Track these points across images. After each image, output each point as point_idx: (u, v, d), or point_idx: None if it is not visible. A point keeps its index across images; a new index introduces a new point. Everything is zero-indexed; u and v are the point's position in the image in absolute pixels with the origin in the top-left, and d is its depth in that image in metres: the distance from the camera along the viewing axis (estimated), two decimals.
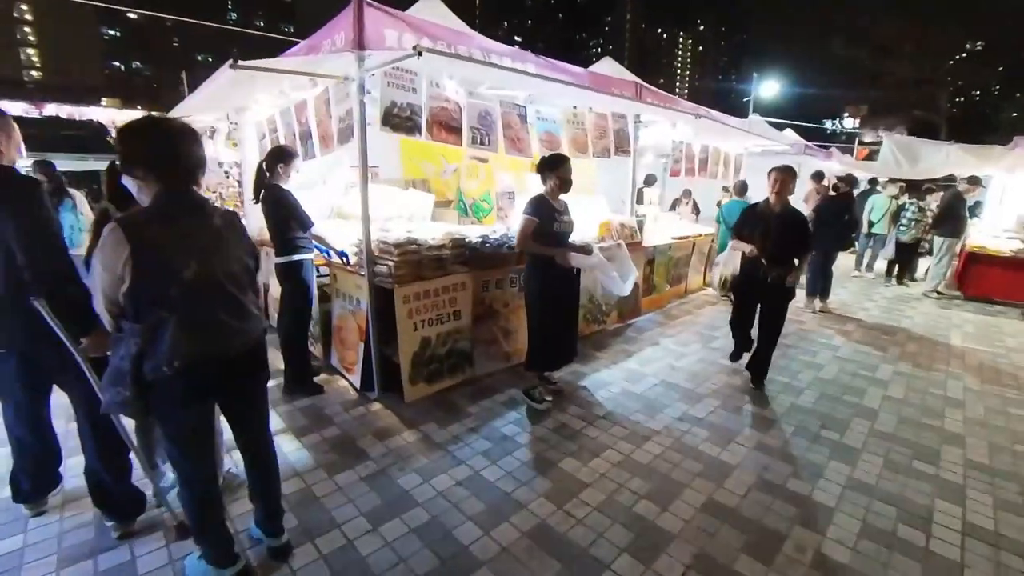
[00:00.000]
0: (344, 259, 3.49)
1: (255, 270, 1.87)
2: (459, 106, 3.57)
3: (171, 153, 1.62)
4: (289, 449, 2.89)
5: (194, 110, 5.40)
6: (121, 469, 2.20)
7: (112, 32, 57.88)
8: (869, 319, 5.91)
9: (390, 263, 3.16)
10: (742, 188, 6.56)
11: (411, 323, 3.30)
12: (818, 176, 6.91)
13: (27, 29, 50.23)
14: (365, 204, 3.20)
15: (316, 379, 3.80)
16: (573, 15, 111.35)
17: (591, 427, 3.13)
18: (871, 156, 15.67)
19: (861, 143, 15.92)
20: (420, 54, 2.57)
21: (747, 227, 3.67)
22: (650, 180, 8.71)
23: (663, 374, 4.00)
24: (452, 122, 3.52)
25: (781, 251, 3.49)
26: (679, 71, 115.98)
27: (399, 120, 3.22)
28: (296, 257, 3.29)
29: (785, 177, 3.50)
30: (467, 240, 3.59)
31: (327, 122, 3.56)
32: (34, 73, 50.29)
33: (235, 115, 5.39)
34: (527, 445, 2.92)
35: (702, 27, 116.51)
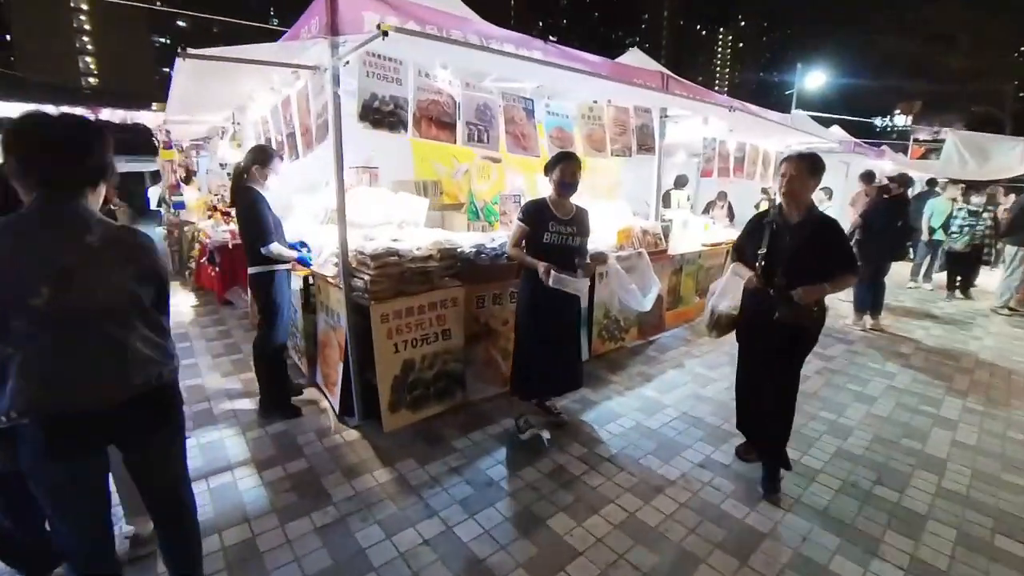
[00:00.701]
0: (305, 264, 3.19)
1: (157, 300, 1.51)
2: (453, 99, 3.18)
3: (43, 156, 1.31)
4: (246, 486, 2.56)
5: (194, 109, 5.25)
6: (31, 517, 1.90)
7: (162, 40, 60.74)
8: (929, 340, 5.19)
9: (365, 277, 2.79)
10: None
11: (391, 344, 2.92)
12: (868, 176, 6.15)
13: (86, 39, 53.25)
14: (341, 209, 2.86)
15: (300, 397, 3.51)
16: (609, 13, 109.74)
17: (593, 472, 2.67)
18: (927, 155, 14.43)
19: (916, 141, 14.66)
20: (385, 34, 2.19)
21: (751, 243, 2.57)
22: (681, 182, 8.11)
23: (685, 405, 3.49)
24: (444, 117, 3.12)
25: (799, 276, 2.32)
26: (719, 68, 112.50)
27: (381, 115, 2.85)
28: (265, 269, 2.98)
29: (797, 170, 2.34)
30: (459, 250, 3.19)
31: (308, 119, 3.24)
32: (92, 80, 53.25)
33: (239, 115, 5.21)
34: (514, 494, 2.49)
35: (743, 23, 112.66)
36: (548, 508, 2.38)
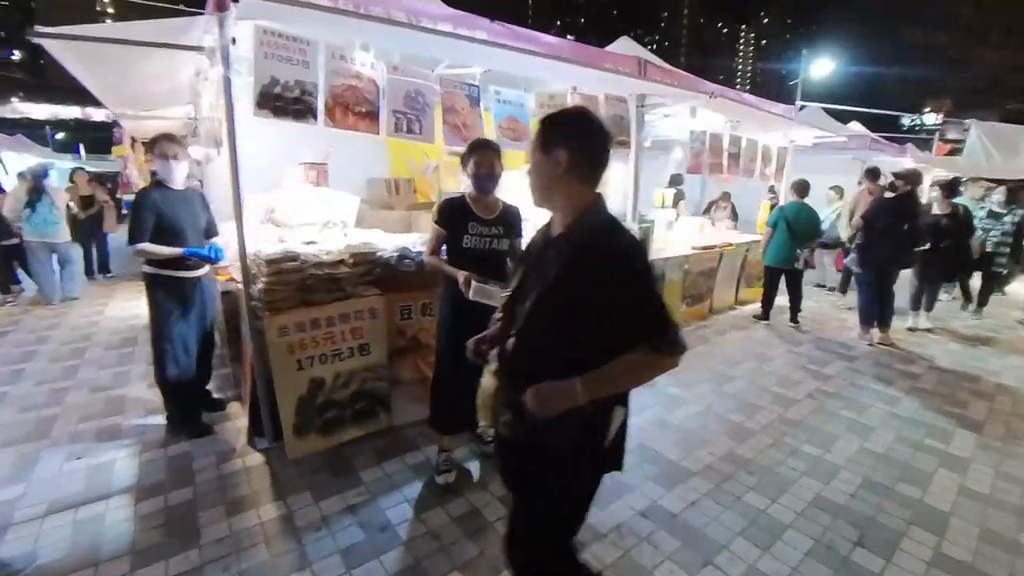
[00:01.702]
0: (203, 258, 2.83)
1: None
2: (376, 84, 2.81)
3: None
4: (115, 520, 2.24)
5: (140, 102, 5.02)
6: None
7: None
8: (944, 357, 4.61)
9: (260, 284, 2.45)
10: (803, 187, 5.28)
11: (293, 360, 2.56)
12: (872, 173, 5.53)
13: None
14: (237, 206, 2.51)
15: (220, 413, 3.21)
16: (628, 11, 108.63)
17: None
18: (953, 153, 13.53)
19: (943, 139, 13.77)
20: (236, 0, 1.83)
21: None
22: (677, 180, 7.60)
23: (643, 435, 3.04)
24: (364, 105, 2.75)
25: (542, 340, 1.24)
26: (740, 65, 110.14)
27: (284, 101, 2.50)
28: (147, 269, 2.71)
29: (532, 146, 1.30)
30: (377, 255, 2.82)
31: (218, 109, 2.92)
32: None
33: (197, 110, 4.97)
34: (409, 543, 2.10)
35: (766, 19, 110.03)
36: (443, 564, 1.99)
